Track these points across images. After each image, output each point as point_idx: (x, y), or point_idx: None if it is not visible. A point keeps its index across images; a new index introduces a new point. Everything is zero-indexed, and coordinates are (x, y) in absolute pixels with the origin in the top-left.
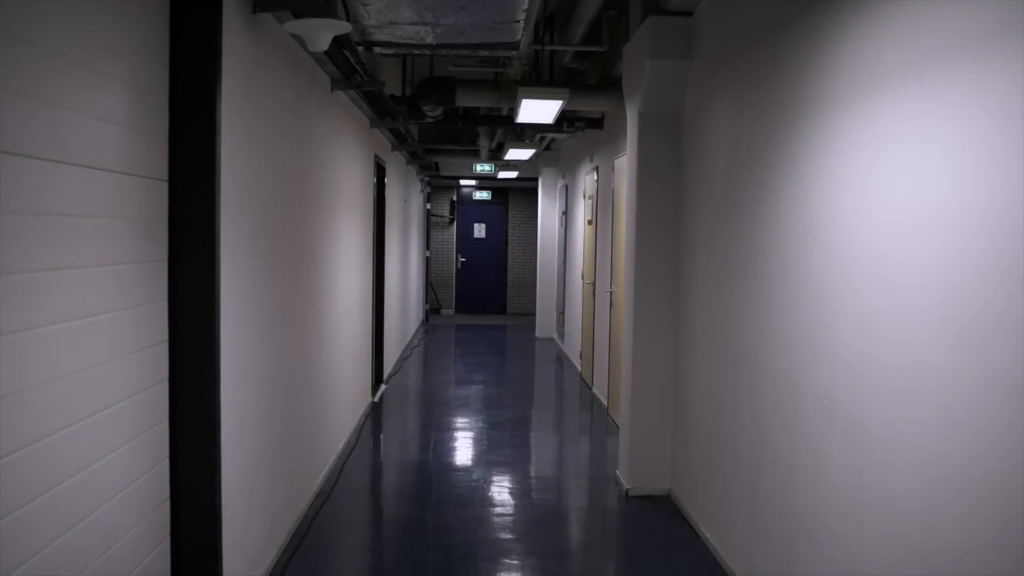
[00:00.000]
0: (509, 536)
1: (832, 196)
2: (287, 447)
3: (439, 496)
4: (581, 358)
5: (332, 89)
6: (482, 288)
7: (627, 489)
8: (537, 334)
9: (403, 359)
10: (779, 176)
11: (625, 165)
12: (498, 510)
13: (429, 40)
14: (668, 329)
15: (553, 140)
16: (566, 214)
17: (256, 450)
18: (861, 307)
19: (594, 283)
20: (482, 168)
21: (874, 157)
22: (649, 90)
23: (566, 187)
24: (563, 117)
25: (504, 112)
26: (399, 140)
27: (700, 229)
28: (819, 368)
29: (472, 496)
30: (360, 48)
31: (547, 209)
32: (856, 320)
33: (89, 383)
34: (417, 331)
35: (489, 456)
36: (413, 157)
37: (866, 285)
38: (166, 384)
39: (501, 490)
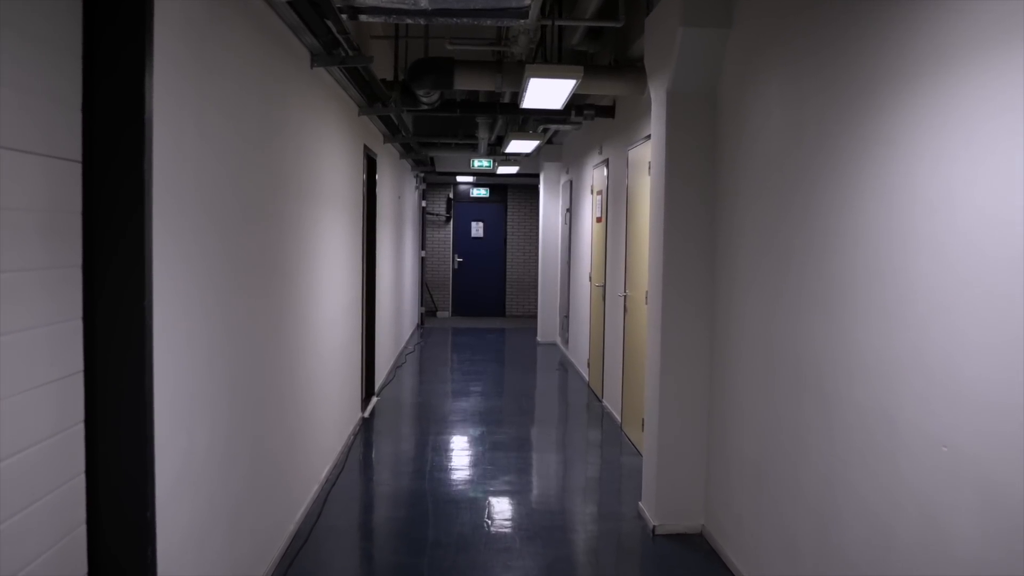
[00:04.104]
0: None
1: (952, 183)
2: (255, 488)
3: (437, 536)
4: (589, 366)
5: (312, 65)
6: (480, 290)
7: (654, 526)
8: (539, 338)
9: (397, 367)
10: (865, 161)
11: (640, 156)
12: (505, 556)
13: (423, 5)
14: (702, 341)
15: (556, 133)
16: (570, 211)
17: (209, 500)
18: (1007, 325)
19: (604, 286)
20: (480, 164)
21: None
22: (681, 64)
23: (570, 182)
24: (571, 105)
25: (506, 99)
26: (392, 131)
27: (744, 225)
28: (932, 405)
29: (475, 536)
30: (344, 16)
31: (549, 206)
32: (995, 343)
33: None
34: (412, 335)
35: (492, 484)
36: (407, 150)
37: (1017, 296)
38: (81, 427)
39: (507, 528)
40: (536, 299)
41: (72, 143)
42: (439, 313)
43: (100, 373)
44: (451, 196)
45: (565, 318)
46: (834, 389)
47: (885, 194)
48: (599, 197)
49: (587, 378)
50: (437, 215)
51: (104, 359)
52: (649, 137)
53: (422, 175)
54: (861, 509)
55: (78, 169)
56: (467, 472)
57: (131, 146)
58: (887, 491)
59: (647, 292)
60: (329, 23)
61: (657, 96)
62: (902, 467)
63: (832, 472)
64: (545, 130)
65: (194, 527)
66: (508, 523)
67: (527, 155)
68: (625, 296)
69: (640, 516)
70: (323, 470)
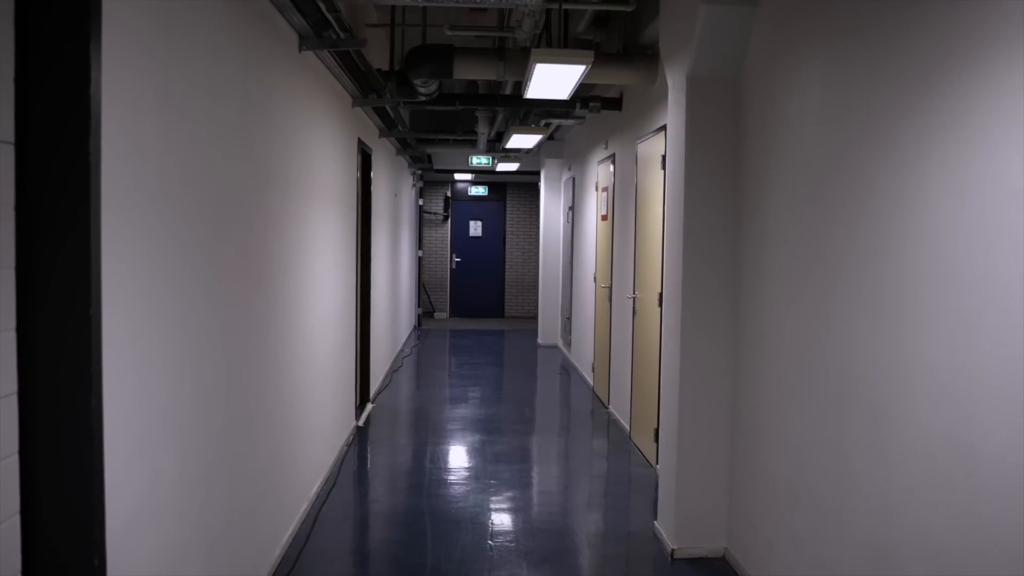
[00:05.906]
0: None
1: None
2: (235, 513)
3: (436, 561)
4: (594, 371)
5: (301, 49)
6: (478, 290)
7: (672, 549)
8: (540, 341)
9: (393, 371)
10: (930, 146)
11: (651, 149)
12: None
13: None
14: (725, 347)
15: (559, 128)
16: (573, 209)
17: (179, 532)
18: None
19: (610, 287)
20: (479, 161)
21: None
22: (702, 46)
23: (573, 179)
24: (576, 97)
25: (508, 90)
26: (388, 125)
27: (774, 220)
28: None
29: (476, 561)
30: None
31: (550, 204)
32: None
33: None
34: (409, 337)
35: (495, 501)
36: (404, 146)
37: None
38: (15, 460)
39: (512, 554)
40: (536, 300)
41: (3, 121)
42: (437, 314)
43: (40, 395)
44: (449, 194)
45: (567, 320)
46: (890, 408)
47: (960, 184)
48: (605, 194)
49: (592, 383)
50: (435, 214)
51: (45, 378)
52: (661, 129)
53: (419, 172)
54: (926, 548)
55: (10, 152)
56: (467, 487)
57: (76, 123)
58: (961, 529)
59: (660, 293)
60: (318, 1)
61: (675, 82)
62: (982, 504)
63: (889, 502)
64: (548, 124)
65: (159, 566)
66: (512, 545)
67: (528, 151)
68: (634, 298)
69: (656, 537)
70: (313, 486)
